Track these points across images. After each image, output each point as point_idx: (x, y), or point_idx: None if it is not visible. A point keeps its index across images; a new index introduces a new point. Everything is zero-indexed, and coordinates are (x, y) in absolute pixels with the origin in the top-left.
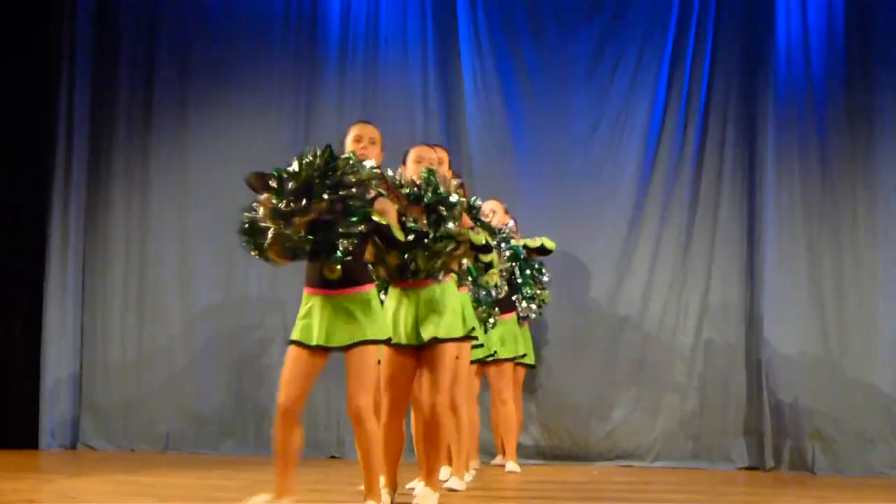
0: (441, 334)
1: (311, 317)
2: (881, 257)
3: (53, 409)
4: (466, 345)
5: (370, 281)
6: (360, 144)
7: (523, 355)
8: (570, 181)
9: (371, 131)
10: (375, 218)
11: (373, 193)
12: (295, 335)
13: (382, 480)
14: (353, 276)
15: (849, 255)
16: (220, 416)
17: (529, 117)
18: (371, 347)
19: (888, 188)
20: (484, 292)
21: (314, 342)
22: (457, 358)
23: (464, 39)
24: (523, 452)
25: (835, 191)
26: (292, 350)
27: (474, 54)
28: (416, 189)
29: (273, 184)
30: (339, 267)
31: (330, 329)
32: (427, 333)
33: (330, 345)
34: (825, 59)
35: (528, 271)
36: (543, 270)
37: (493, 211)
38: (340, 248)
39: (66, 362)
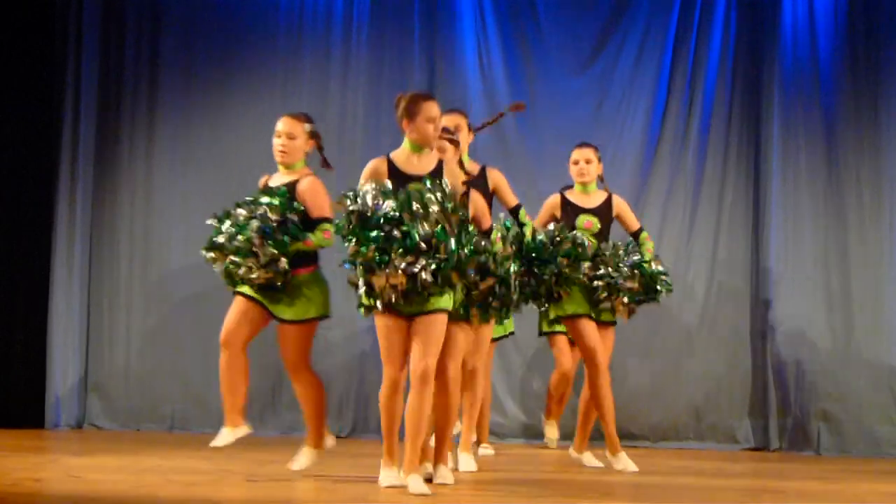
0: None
1: None
2: (886, 238)
3: (59, 388)
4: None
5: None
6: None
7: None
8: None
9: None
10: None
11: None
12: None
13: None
14: None
15: (855, 236)
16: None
17: (533, 98)
18: (441, 316)
19: (894, 169)
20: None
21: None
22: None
23: (467, 21)
24: (529, 433)
25: (840, 172)
26: None
27: (479, 35)
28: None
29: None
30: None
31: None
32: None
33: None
34: (831, 39)
35: None
36: None
37: (457, 127)
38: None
39: (71, 341)
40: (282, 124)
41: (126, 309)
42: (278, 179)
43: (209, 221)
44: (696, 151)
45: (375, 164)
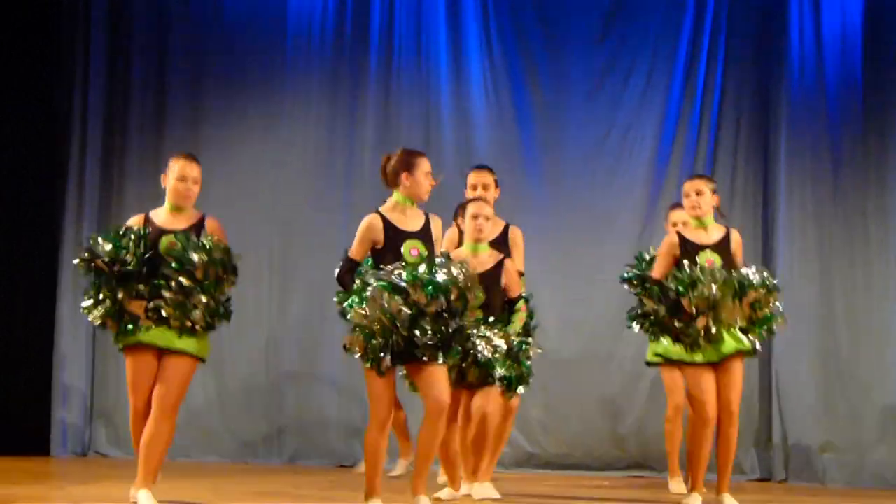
0: None
1: None
2: (894, 269)
3: (65, 415)
4: None
5: None
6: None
7: None
8: (581, 191)
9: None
10: None
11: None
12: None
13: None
14: None
15: (860, 265)
16: (231, 425)
17: (540, 127)
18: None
19: None
20: None
21: None
22: None
23: (474, 50)
24: (533, 461)
25: (847, 201)
26: None
27: (485, 60)
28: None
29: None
30: None
31: None
32: None
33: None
34: (838, 69)
35: None
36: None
37: (485, 185)
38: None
39: (77, 369)
40: (190, 168)
41: None
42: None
43: None
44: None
45: (370, 220)
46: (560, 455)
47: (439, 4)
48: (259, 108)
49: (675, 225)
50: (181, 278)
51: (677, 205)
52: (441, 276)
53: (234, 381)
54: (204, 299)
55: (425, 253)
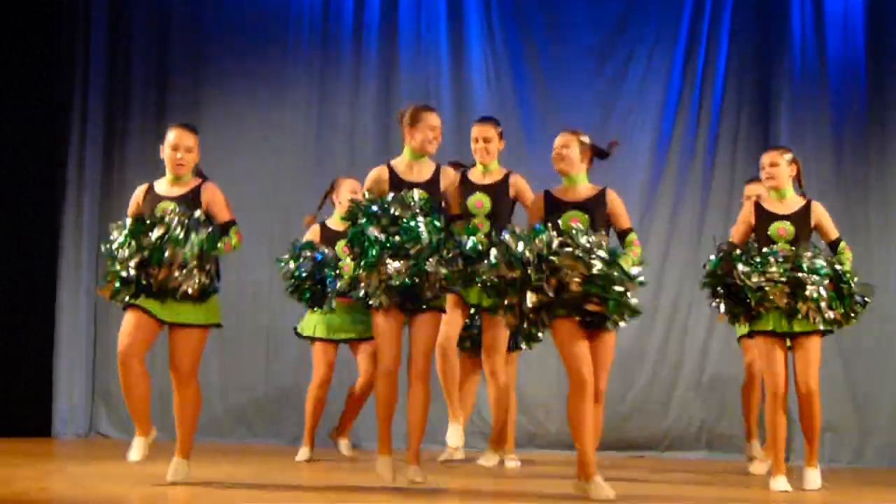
0: None
1: None
2: (893, 253)
3: (66, 397)
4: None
5: None
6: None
7: None
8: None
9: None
10: None
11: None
12: None
13: None
14: None
15: (861, 253)
16: (231, 405)
17: (541, 107)
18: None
19: None
20: None
21: None
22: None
23: (475, 30)
24: (533, 441)
25: (848, 188)
26: None
27: (486, 45)
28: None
29: None
30: None
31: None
32: None
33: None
34: (840, 54)
35: None
36: None
37: (486, 139)
38: None
39: (78, 350)
40: (182, 137)
41: None
42: (171, 189)
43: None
44: (704, 164)
45: (378, 171)
46: (564, 434)
47: None
48: (260, 95)
49: (748, 198)
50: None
51: (754, 179)
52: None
53: (234, 360)
54: (195, 273)
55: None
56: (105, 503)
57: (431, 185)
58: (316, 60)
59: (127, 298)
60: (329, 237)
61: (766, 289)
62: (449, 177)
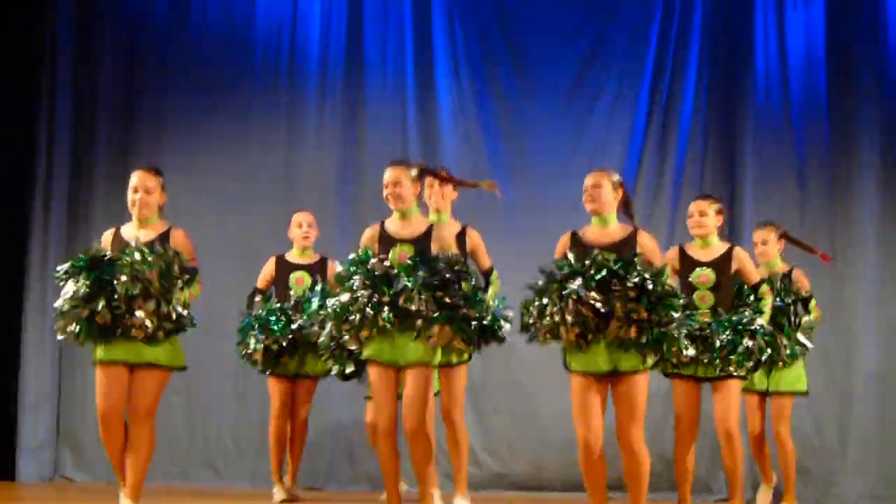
0: None
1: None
2: (859, 289)
3: (30, 439)
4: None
5: None
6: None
7: None
8: (549, 207)
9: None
10: None
11: None
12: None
13: None
14: None
15: (826, 287)
16: (196, 447)
17: (507, 144)
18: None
19: (865, 219)
20: None
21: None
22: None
23: (441, 66)
24: (499, 482)
25: (812, 215)
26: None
27: (452, 80)
28: None
29: None
30: None
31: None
32: None
33: None
34: (803, 83)
35: None
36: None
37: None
38: None
39: (42, 392)
40: (141, 178)
41: None
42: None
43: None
44: (670, 194)
45: (370, 230)
46: (528, 475)
47: (406, 29)
48: (227, 129)
49: (754, 245)
50: (126, 286)
51: (758, 225)
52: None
53: (207, 393)
54: (151, 306)
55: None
56: None
57: (419, 241)
58: (282, 94)
59: (82, 339)
60: (285, 269)
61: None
62: (443, 234)
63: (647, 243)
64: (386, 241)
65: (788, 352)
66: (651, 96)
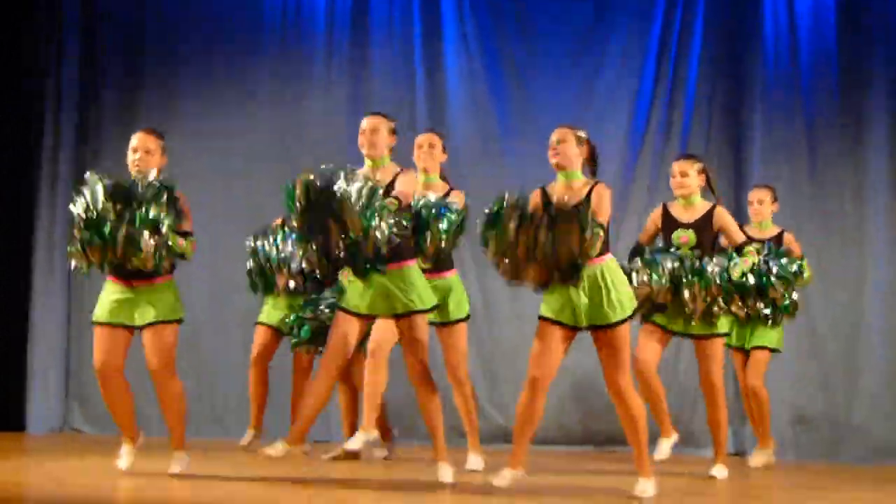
0: None
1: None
2: (867, 251)
3: (40, 392)
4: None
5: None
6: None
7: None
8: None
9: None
10: None
11: None
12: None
13: None
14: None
15: (836, 249)
16: (206, 400)
17: (516, 108)
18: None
19: (876, 184)
20: None
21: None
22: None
23: (449, 31)
24: (508, 437)
25: (823, 186)
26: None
27: (460, 46)
28: None
29: None
30: None
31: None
32: None
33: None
34: (813, 52)
35: None
36: None
37: (430, 145)
38: None
39: (54, 344)
40: (140, 139)
41: None
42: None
43: None
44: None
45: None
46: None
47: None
48: (234, 98)
49: (750, 203)
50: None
51: (756, 186)
52: None
53: (206, 357)
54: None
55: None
56: (80, 498)
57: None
58: (291, 53)
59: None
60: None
61: (653, 287)
62: (404, 179)
63: (598, 195)
64: None
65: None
66: (658, 59)
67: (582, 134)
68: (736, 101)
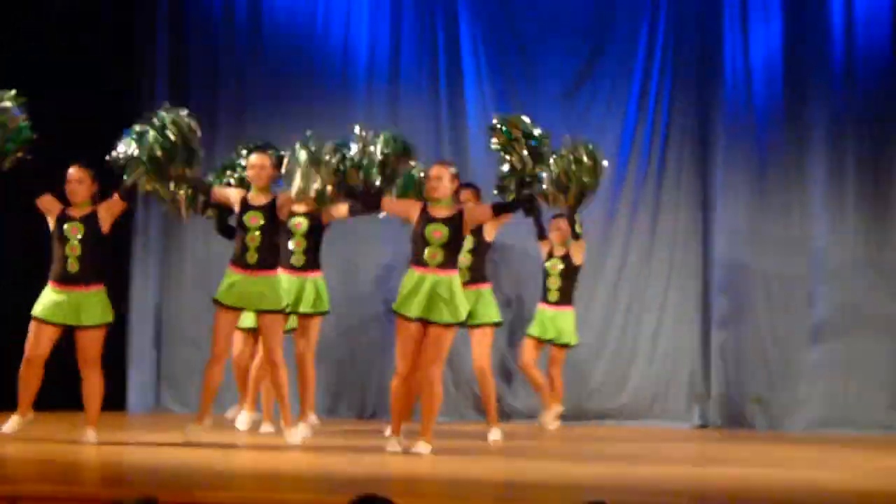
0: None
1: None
2: (811, 248)
3: (137, 374)
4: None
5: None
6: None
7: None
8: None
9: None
10: None
11: None
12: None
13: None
14: None
15: (784, 249)
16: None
17: None
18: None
19: (816, 199)
20: None
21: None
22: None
23: (469, 81)
24: (516, 413)
25: (774, 198)
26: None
27: (476, 90)
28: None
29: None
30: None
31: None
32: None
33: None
34: (764, 101)
35: None
36: None
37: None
38: None
39: (147, 336)
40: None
41: (189, 311)
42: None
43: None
44: (653, 189)
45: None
46: (528, 405)
47: (439, 48)
48: (290, 124)
49: (552, 231)
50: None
51: (558, 215)
52: None
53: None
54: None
55: None
56: (171, 464)
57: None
58: (336, 98)
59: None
60: None
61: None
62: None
63: (469, 211)
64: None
65: None
66: (639, 102)
67: (454, 170)
68: (703, 136)
